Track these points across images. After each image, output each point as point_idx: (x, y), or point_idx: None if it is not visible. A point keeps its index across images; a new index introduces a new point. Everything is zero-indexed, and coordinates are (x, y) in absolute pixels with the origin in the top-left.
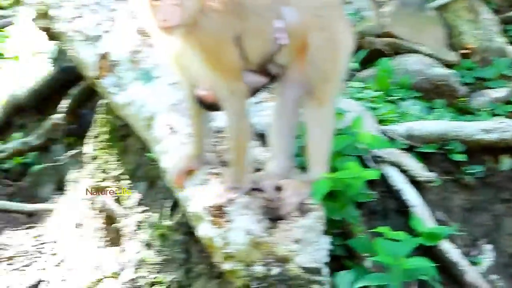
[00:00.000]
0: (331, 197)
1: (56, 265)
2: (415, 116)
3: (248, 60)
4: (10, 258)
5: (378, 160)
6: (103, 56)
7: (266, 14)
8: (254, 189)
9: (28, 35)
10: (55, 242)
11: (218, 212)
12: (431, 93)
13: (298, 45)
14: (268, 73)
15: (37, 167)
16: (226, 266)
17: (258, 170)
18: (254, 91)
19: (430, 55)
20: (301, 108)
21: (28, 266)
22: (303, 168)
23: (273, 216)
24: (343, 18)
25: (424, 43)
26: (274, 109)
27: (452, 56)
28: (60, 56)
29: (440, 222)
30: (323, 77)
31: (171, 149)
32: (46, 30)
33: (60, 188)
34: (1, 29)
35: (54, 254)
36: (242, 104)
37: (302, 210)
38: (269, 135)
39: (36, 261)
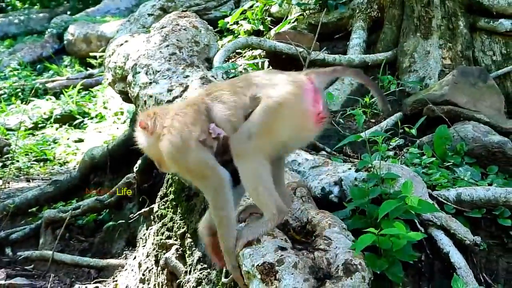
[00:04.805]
0: (377, 253)
1: None
2: (468, 182)
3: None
4: None
5: (426, 223)
6: None
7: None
8: None
9: (112, 94)
10: None
11: (268, 271)
12: (485, 160)
13: None
14: None
15: (110, 224)
16: None
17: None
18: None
19: (487, 123)
20: None
21: None
22: None
23: (320, 275)
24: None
25: (483, 111)
26: None
27: (510, 124)
28: (136, 117)
29: (484, 284)
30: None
31: None
32: (124, 93)
33: (131, 244)
34: (90, 88)
35: None
36: (218, 196)
37: (348, 270)
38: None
39: None
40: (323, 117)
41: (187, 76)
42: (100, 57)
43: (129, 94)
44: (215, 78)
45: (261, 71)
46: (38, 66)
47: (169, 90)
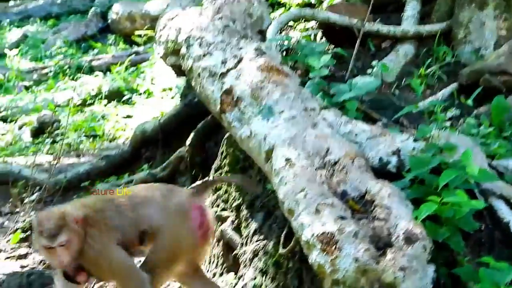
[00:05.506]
0: (438, 222)
1: None
2: None
3: None
4: None
5: (486, 193)
6: (227, 92)
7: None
8: None
9: (160, 71)
10: None
11: (329, 240)
12: None
13: None
14: None
15: None
16: None
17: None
18: None
19: None
20: None
21: None
22: None
23: (380, 245)
24: None
25: None
26: None
27: None
28: (187, 91)
29: None
30: None
31: (288, 180)
32: (176, 66)
33: None
34: (138, 65)
35: None
36: None
37: (409, 239)
38: None
39: None
40: (206, 231)
41: (241, 48)
42: (145, 35)
43: (182, 67)
44: (269, 50)
45: (140, 186)
46: (83, 44)
47: (223, 62)
